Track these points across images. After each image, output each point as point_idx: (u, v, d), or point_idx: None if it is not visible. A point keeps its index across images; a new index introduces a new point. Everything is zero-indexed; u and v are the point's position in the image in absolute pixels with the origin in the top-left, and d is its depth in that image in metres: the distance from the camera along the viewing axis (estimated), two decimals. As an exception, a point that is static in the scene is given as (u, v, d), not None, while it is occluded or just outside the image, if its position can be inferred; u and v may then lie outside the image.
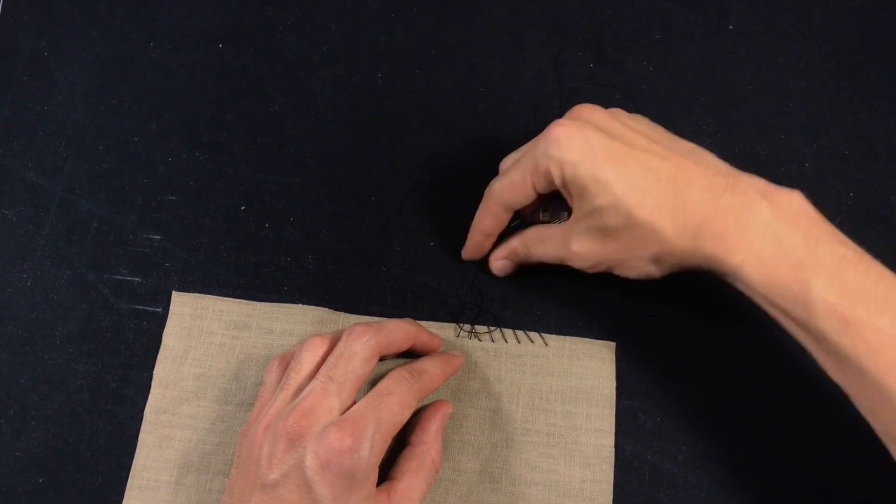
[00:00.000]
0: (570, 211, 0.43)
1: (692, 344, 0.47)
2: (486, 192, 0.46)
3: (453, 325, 0.47)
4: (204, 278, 0.49)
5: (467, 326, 0.47)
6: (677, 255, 0.39)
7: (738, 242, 0.37)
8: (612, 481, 0.44)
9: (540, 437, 0.45)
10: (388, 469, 0.41)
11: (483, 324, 0.48)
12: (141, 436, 0.45)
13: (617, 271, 0.43)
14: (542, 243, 0.45)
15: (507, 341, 0.47)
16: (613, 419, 0.45)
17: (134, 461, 0.45)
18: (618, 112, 0.43)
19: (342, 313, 0.48)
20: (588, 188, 0.40)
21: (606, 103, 0.48)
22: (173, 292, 0.48)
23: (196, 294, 0.48)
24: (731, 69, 0.55)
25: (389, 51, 0.56)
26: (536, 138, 0.43)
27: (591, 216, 0.40)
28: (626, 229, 0.40)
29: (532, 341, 0.47)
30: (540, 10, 0.57)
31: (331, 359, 0.40)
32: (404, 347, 0.43)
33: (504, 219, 0.46)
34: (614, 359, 0.47)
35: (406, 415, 0.40)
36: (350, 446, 0.36)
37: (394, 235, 0.50)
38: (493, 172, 0.51)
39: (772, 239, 0.36)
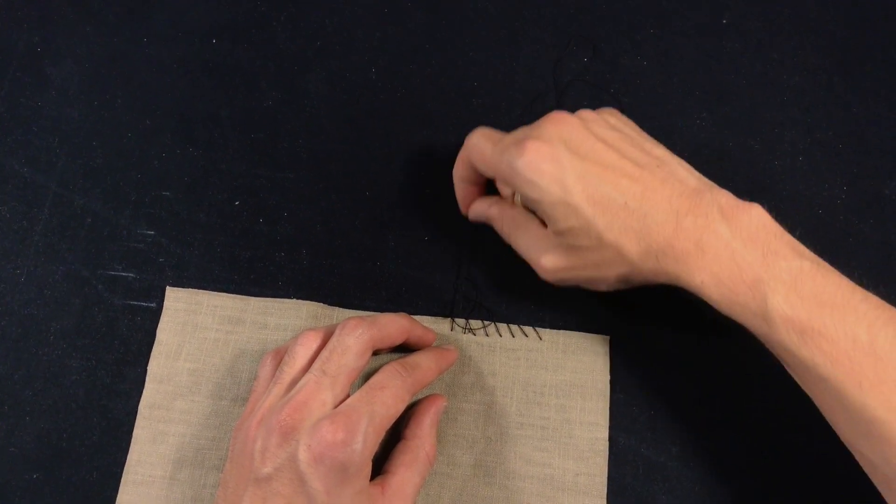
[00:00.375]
0: None
1: (686, 337, 0.47)
2: (465, 143, 0.46)
3: (448, 319, 0.47)
4: (198, 273, 0.49)
5: (461, 321, 0.47)
6: (644, 275, 0.40)
7: (698, 264, 0.38)
8: (607, 474, 0.44)
9: (534, 431, 0.45)
10: (382, 463, 0.42)
11: (477, 318, 0.48)
12: (135, 431, 0.45)
13: (586, 285, 0.44)
14: (516, 231, 0.45)
15: (501, 335, 0.47)
16: (607, 413, 0.46)
17: (128, 456, 0.45)
18: (593, 118, 0.43)
19: (336, 308, 0.48)
20: (558, 210, 0.40)
21: (600, 98, 0.48)
22: (167, 287, 0.48)
23: (190, 289, 0.48)
24: (725, 64, 0.55)
25: (384, 46, 0.56)
26: (516, 139, 0.42)
27: (563, 235, 0.41)
28: (595, 250, 0.40)
29: (526, 335, 0.47)
30: (534, 5, 0.57)
31: (324, 353, 0.40)
32: (398, 341, 0.43)
33: (473, 173, 0.47)
34: (608, 352, 0.47)
35: (399, 408, 0.40)
36: (343, 440, 0.36)
37: (388, 230, 0.50)
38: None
39: (730, 259, 0.37)
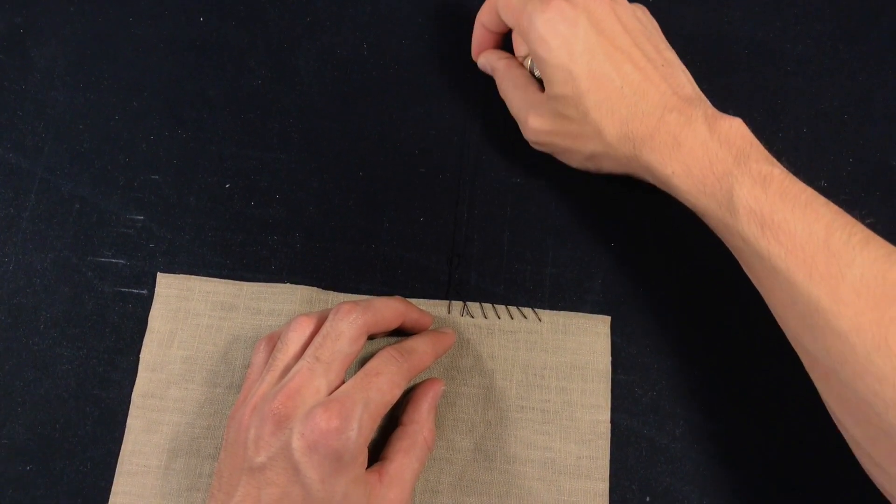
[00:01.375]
0: None
1: (688, 317, 0.46)
2: None
3: (445, 302, 0.47)
4: (189, 259, 0.48)
5: (459, 303, 0.46)
6: (615, 159, 0.42)
7: (672, 156, 0.39)
8: (609, 457, 0.44)
9: (535, 414, 0.44)
10: (380, 450, 0.41)
11: (475, 300, 0.47)
12: (129, 420, 0.45)
13: (557, 156, 0.47)
14: (515, 89, 0.48)
15: (499, 317, 0.46)
16: (609, 394, 0.45)
17: (122, 446, 0.44)
18: (623, 4, 0.44)
19: (331, 292, 0.47)
20: (558, 75, 0.42)
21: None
22: (158, 274, 0.47)
23: (182, 275, 0.47)
24: (726, 33, 0.53)
25: (374, 20, 0.54)
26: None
27: (554, 100, 0.43)
28: (578, 122, 0.42)
29: (525, 317, 0.46)
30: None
31: (317, 339, 0.39)
32: (393, 325, 0.42)
33: (495, 20, 0.48)
34: (609, 333, 0.46)
35: (396, 394, 0.39)
36: (337, 427, 0.35)
37: (382, 211, 0.49)
38: (485, 145, 0.51)
39: (703, 154, 0.39)
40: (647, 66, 0.42)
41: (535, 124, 0.45)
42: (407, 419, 0.42)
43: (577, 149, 0.44)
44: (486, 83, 0.52)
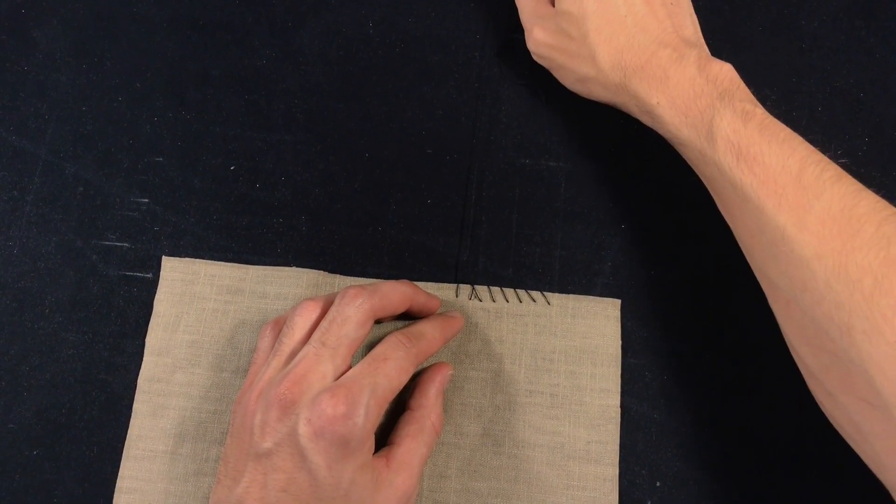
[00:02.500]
0: None
1: (700, 300, 0.46)
2: None
3: (452, 285, 0.46)
4: (194, 242, 0.48)
5: (466, 287, 0.46)
6: (605, 85, 0.43)
7: (659, 87, 0.40)
8: (619, 442, 0.43)
9: (543, 399, 0.44)
10: (387, 435, 0.40)
11: (483, 283, 0.46)
12: (135, 405, 0.44)
13: (554, 72, 0.48)
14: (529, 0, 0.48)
15: (507, 301, 0.45)
16: (619, 379, 0.44)
17: (129, 431, 0.44)
18: None
19: (337, 275, 0.46)
20: None
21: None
22: (163, 257, 0.47)
23: (187, 259, 0.47)
24: (739, 9, 0.52)
25: (381, -2, 0.53)
26: None
27: (561, 16, 0.44)
28: (577, 42, 0.44)
29: (534, 300, 0.45)
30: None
31: (323, 323, 0.39)
32: (401, 310, 0.42)
33: None
34: (619, 316, 0.45)
35: (403, 380, 0.39)
36: (344, 413, 0.35)
37: (389, 193, 0.48)
38: (493, 126, 0.50)
39: (690, 87, 0.39)
40: (654, 3, 0.43)
41: (539, 36, 0.46)
42: (415, 404, 0.41)
43: (571, 68, 0.45)
44: (495, 62, 0.51)
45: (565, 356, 0.44)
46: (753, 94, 0.50)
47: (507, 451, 0.43)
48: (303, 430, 0.35)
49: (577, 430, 0.43)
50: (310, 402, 0.36)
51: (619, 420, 0.43)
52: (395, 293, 0.41)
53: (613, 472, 0.43)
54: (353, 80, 0.51)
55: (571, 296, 0.46)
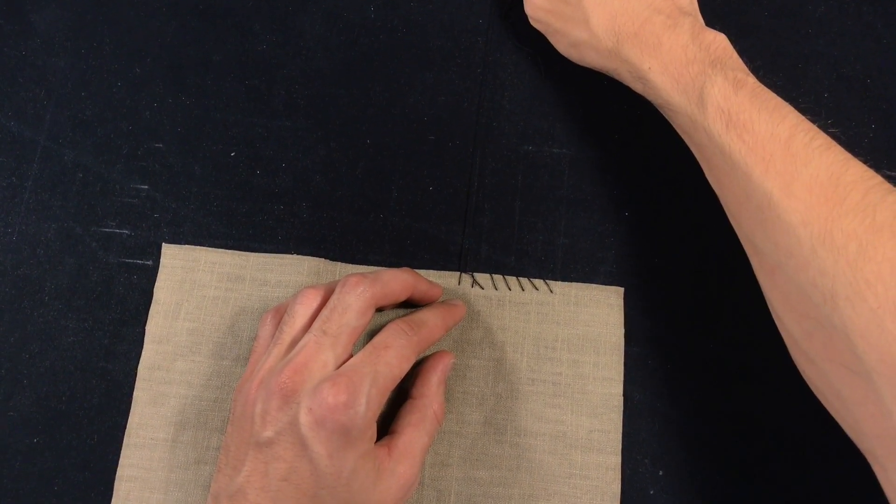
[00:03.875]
0: None
1: (703, 289, 0.45)
2: None
3: (455, 273, 0.46)
4: (194, 229, 0.47)
5: (469, 275, 0.45)
6: (597, 50, 0.43)
7: (652, 53, 0.40)
8: (621, 431, 0.43)
9: (546, 387, 0.44)
10: (389, 423, 0.40)
11: (485, 272, 0.46)
12: (135, 393, 0.44)
13: (549, 36, 0.48)
14: None
15: (510, 289, 0.45)
16: (622, 367, 0.44)
17: (129, 419, 0.44)
18: None
19: (339, 263, 0.46)
20: None
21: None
22: (163, 244, 0.46)
23: (187, 246, 0.46)
24: (745, -6, 0.52)
25: (382, -17, 0.53)
26: None
27: None
28: (573, 7, 0.44)
29: (537, 288, 0.45)
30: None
31: (324, 312, 0.39)
32: (402, 298, 0.41)
33: None
34: (622, 305, 0.45)
35: (405, 368, 0.38)
36: (345, 402, 0.35)
37: (391, 180, 0.48)
38: (496, 113, 0.49)
39: (682, 54, 0.39)
40: None
41: (537, 0, 0.47)
42: (416, 392, 0.41)
43: (565, 32, 0.45)
44: (498, 48, 0.51)
45: (568, 345, 0.44)
46: (760, 81, 0.50)
47: (509, 440, 0.43)
48: (304, 419, 0.35)
49: (580, 418, 0.43)
50: (311, 391, 0.36)
51: (621, 409, 0.43)
52: (397, 281, 0.41)
53: (616, 460, 0.43)
54: (354, 66, 0.51)
55: (574, 284, 0.45)
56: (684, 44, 0.40)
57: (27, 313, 0.46)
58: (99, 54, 0.51)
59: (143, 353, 0.45)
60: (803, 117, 0.36)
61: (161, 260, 0.46)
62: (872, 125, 0.48)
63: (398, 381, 0.38)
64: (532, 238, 0.47)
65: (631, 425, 0.43)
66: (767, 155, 0.35)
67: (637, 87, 0.42)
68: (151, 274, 0.46)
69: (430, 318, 0.41)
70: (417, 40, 0.51)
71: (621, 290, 0.45)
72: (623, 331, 0.44)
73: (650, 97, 0.42)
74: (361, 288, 0.39)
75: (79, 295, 0.46)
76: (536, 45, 0.50)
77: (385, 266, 0.46)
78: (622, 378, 0.44)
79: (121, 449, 0.43)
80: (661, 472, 0.43)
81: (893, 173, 0.47)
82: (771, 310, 0.38)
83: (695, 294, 0.45)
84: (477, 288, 0.45)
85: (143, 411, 0.44)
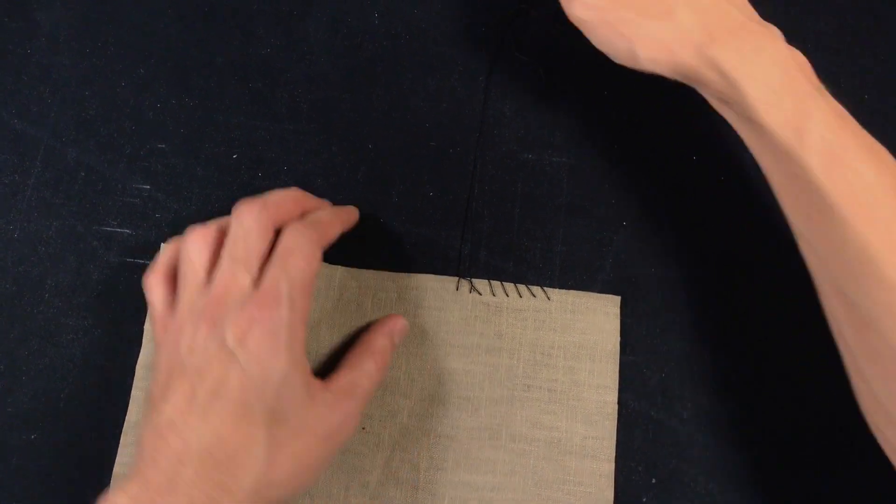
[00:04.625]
0: None
1: (699, 299, 0.46)
2: None
3: (453, 278, 0.46)
4: None
5: (466, 280, 0.46)
6: (681, 47, 0.37)
7: (753, 59, 0.36)
8: (615, 438, 0.43)
9: (541, 394, 0.44)
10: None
11: (483, 277, 0.46)
12: (133, 391, 0.44)
13: (603, 31, 0.40)
14: None
15: (507, 295, 0.45)
16: (617, 375, 0.44)
17: (126, 417, 0.44)
18: None
19: (339, 267, 0.46)
20: None
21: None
22: (163, 245, 0.47)
23: (187, 246, 0.47)
24: (746, 7, 0.52)
25: (387, -11, 0.53)
26: None
27: None
28: None
29: (534, 295, 0.45)
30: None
31: (228, 242, 0.39)
32: (295, 213, 0.42)
33: None
34: (619, 313, 0.45)
35: (314, 265, 0.39)
36: (269, 312, 0.36)
37: (392, 185, 0.48)
38: (497, 120, 0.50)
39: (783, 70, 0.36)
40: None
41: None
42: (358, 342, 0.42)
43: (636, 21, 0.38)
44: (501, 56, 0.51)
45: (564, 352, 0.44)
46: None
47: (503, 445, 0.43)
48: (231, 335, 0.36)
49: (575, 425, 0.43)
50: (235, 312, 0.36)
51: (616, 416, 0.44)
52: (287, 199, 0.41)
53: (609, 467, 0.43)
54: (357, 71, 0.51)
55: (571, 291, 0.46)
56: (785, 56, 0.36)
57: (27, 310, 0.46)
58: (104, 54, 0.51)
59: (142, 351, 0.45)
60: None
61: (161, 260, 0.47)
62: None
63: (312, 279, 0.38)
64: (530, 245, 0.47)
65: (625, 433, 0.44)
66: (871, 204, 0.33)
67: (719, 96, 0.38)
68: (152, 273, 0.47)
69: (324, 216, 0.42)
70: (420, 47, 0.52)
71: (618, 298, 0.45)
72: (619, 339, 0.45)
73: (733, 111, 0.38)
74: (256, 210, 0.39)
75: (79, 293, 0.47)
76: (538, 55, 0.50)
77: (384, 269, 0.46)
78: (617, 386, 0.44)
79: (118, 447, 0.44)
80: (654, 480, 0.43)
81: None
82: (849, 363, 0.37)
83: (691, 304, 0.46)
84: (475, 294, 0.46)
85: (140, 410, 0.44)
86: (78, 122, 0.50)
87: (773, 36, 0.37)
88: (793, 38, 0.50)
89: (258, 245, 0.39)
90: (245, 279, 0.37)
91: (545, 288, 0.46)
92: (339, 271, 0.46)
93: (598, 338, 0.45)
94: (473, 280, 0.46)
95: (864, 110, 0.48)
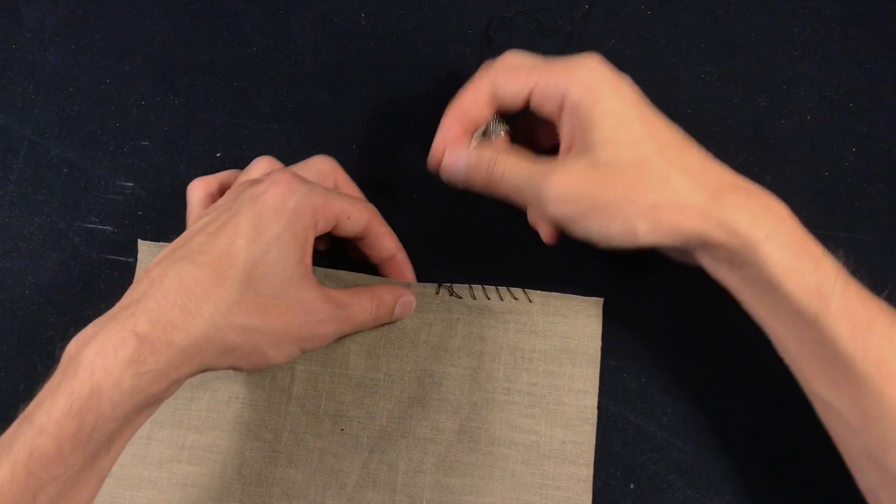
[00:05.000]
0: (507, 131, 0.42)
1: (681, 304, 0.46)
2: (481, 68, 0.41)
3: (433, 285, 0.46)
4: (178, 227, 0.46)
5: (447, 287, 0.45)
6: (684, 214, 0.35)
7: (764, 218, 0.35)
8: (594, 443, 0.43)
9: (521, 397, 0.44)
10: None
11: (465, 279, 0.46)
12: (112, 390, 0.44)
13: (594, 220, 0.37)
14: (516, 160, 0.39)
15: (489, 298, 0.45)
16: (597, 380, 0.44)
17: (105, 415, 0.44)
18: None
19: (316, 267, 0.46)
20: (605, 120, 0.36)
21: (603, 48, 0.46)
22: (139, 241, 0.46)
23: (163, 243, 0.46)
24: (732, 14, 0.52)
25: (374, -10, 0.53)
26: (561, 58, 0.39)
27: (597, 149, 0.36)
28: (634, 168, 0.36)
29: (516, 298, 0.45)
30: (534, -52, 0.54)
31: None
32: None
33: (483, 103, 0.40)
34: (601, 315, 0.45)
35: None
36: (288, 182, 0.39)
37: (374, 186, 0.48)
38: (481, 121, 0.49)
39: (794, 228, 0.35)
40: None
41: (566, 177, 0.37)
42: (366, 286, 0.44)
43: (630, 200, 0.36)
44: (486, 57, 0.51)
45: (545, 355, 0.44)
46: (743, 99, 0.50)
47: (482, 449, 0.43)
48: (246, 195, 0.39)
49: (554, 429, 0.43)
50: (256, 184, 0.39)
51: (595, 421, 0.43)
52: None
53: (588, 472, 0.43)
54: (342, 71, 0.51)
55: (553, 294, 0.45)
56: (789, 214, 0.35)
57: (6, 306, 0.46)
58: (89, 50, 0.51)
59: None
60: None
61: (138, 256, 0.46)
62: (853, 148, 0.49)
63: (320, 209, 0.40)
64: (513, 248, 0.47)
65: (604, 438, 0.44)
66: None
67: (728, 258, 0.36)
68: (133, 271, 0.46)
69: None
70: (407, 48, 0.51)
71: (601, 300, 0.45)
72: (600, 343, 0.44)
73: (740, 274, 0.36)
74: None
75: (59, 290, 0.46)
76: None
77: (368, 271, 0.46)
78: (597, 390, 0.44)
79: (95, 445, 0.43)
80: (632, 485, 0.43)
81: (872, 190, 0.48)
82: None
83: (673, 309, 0.46)
84: (455, 296, 0.45)
85: (118, 408, 0.44)
86: (62, 119, 0.50)
87: (769, 193, 0.36)
88: (781, 49, 0.51)
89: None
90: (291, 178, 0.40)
91: (527, 290, 0.45)
92: (317, 272, 0.46)
93: (580, 341, 0.45)
94: (454, 286, 0.45)
95: (850, 118, 0.49)
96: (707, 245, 0.36)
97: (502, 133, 0.42)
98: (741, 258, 0.35)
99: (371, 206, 0.43)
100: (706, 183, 0.36)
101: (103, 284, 0.46)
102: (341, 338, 0.44)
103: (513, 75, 0.39)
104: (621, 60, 0.49)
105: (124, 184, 0.48)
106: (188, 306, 0.35)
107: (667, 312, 0.46)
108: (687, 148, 0.37)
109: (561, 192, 0.37)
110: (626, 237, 0.37)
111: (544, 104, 0.39)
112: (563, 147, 0.39)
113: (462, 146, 0.41)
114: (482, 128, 0.41)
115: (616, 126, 0.36)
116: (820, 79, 0.50)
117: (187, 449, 0.43)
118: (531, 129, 0.43)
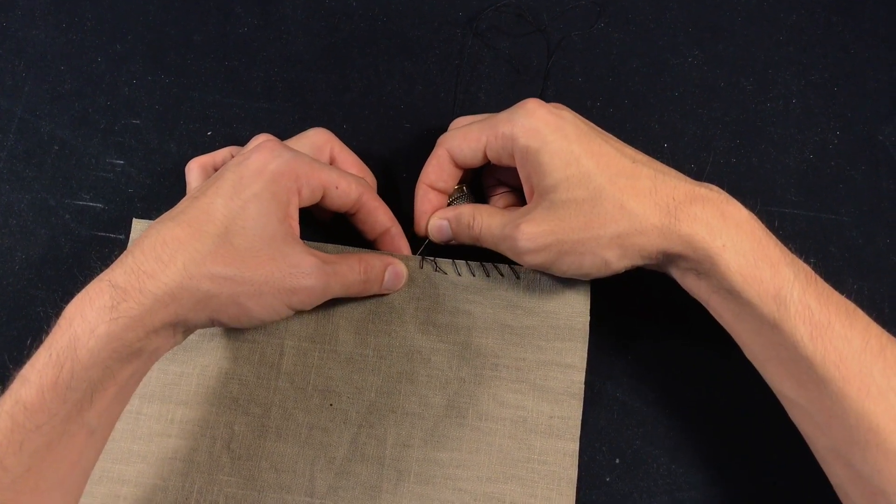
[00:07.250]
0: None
1: (668, 282, 0.46)
2: (438, 141, 0.44)
3: (417, 256, 0.46)
4: (168, 205, 0.46)
5: (431, 260, 0.46)
6: (645, 236, 0.37)
7: (721, 227, 0.36)
8: (581, 418, 0.44)
9: (509, 373, 0.44)
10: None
11: (454, 255, 0.46)
12: (102, 364, 0.44)
13: (567, 260, 0.39)
14: (489, 215, 0.43)
15: (474, 275, 0.45)
16: (585, 355, 0.44)
17: (94, 390, 0.44)
18: None
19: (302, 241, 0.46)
20: (556, 160, 0.39)
21: (591, 32, 0.46)
22: (133, 219, 0.47)
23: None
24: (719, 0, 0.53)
25: (365, -28, 0.53)
26: (504, 111, 0.42)
27: (553, 191, 0.39)
28: (590, 203, 0.38)
29: (502, 274, 0.46)
30: (524, -67, 0.54)
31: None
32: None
33: (448, 172, 0.44)
34: (589, 292, 0.45)
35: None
36: (274, 146, 0.40)
37: (366, 164, 0.48)
38: (472, 102, 0.50)
39: (750, 234, 0.36)
40: (646, 157, 0.40)
41: (531, 227, 0.39)
42: (357, 251, 0.44)
43: (593, 236, 0.38)
44: (476, 39, 0.51)
45: (533, 331, 0.45)
46: (729, 83, 0.51)
47: (470, 423, 0.44)
48: (234, 160, 0.40)
49: (541, 404, 0.44)
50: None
51: (582, 396, 0.44)
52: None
53: (574, 447, 0.43)
54: (333, 52, 0.51)
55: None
56: (746, 218, 0.36)
57: (-4, 282, 0.46)
58: (80, 28, 0.51)
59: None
60: (871, 319, 0.35)
61: (131, 234, 0.47)
62: (837, 132, 0.49)
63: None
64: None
65: (590, 413, 0.44)
66: (863, 372, 0.33)
67: (693, 269, 0.38)
68: (123, 248, 0.47)
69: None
70: (397, 29, 0.52)
71: (588, 276, 0.45)
72: (588, 318, 0.45)
73: (705, 284, 0.38)
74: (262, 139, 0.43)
75: (49, 266, 0.46)
76: (515, 56, 0.51)
77: (357, 247, 0.46)
78: (584, 366, 0.44)
79: (85, 419, 0.43)
80: (617, 461, 0.44)
81: (856, 173, 0.48)
82: None
83: (659, 287, 0.46)
84: (440, 272, 0.46)
85: (108, 382, 0.44)
86: (52, 96, 0.50)
87: (724, 197, 0.37)
88: (767, 33, 0.52)
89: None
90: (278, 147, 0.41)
91: (514, 266, 0.45)
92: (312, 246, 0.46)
93: (568, 317, 0.45)
94: (437, 260, 0.46)
95: (834, 102, 0.50)
96: (672, 259, 0.38)
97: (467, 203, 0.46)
98: (703, 268, 0.37)
99: (362, 180, 0.43)
100: (660, 202, 0.37)
101: (93, 261, 0.46)
102: (330, 313, 0.44)
103: (464, 139, 0.42)
104: (610, 45, 0.50)
105: (115, 161, 0.49)
106: (163, 257, 0.36)
107: (653, 291, 0.46)
108: (637, 171, 0.38)
109: (531, 244, 0.39)
110: (600, 269, 0.39)
111: (500, 157, 0.42)
112: (526, 191, 0.42)
113: (442, 215, 0.45)
114: (450, 199, 0.46)
115: (565, 165, 0.38)
116: (805, 63, 0.51)
117: (177, 423, 0.43)
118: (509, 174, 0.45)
